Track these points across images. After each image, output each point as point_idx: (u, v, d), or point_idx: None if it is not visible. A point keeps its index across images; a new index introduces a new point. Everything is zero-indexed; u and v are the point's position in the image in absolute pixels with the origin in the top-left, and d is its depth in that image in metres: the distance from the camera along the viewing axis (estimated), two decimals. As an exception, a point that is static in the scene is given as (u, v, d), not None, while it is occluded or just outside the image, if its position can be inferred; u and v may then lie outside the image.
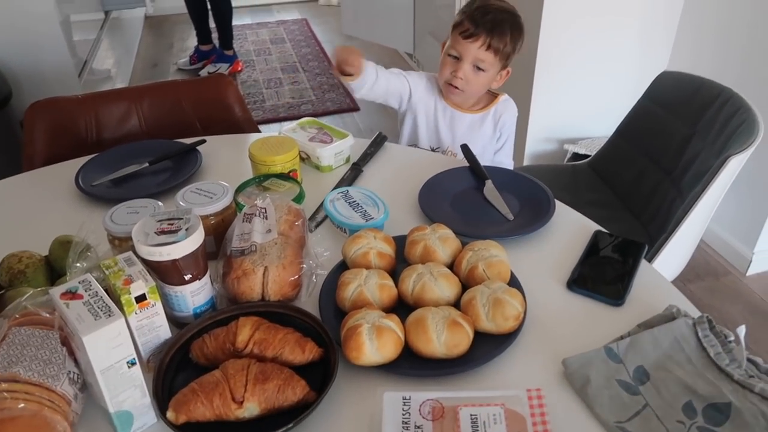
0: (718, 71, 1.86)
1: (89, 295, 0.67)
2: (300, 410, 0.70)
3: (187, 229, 0.80)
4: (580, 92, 2.33)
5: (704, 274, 2.15)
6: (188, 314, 0.84)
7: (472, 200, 1.12)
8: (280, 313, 0.83)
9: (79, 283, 0.69)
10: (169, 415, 0.68)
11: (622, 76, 2.32)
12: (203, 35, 3.92)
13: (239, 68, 4.00)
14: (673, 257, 1.34)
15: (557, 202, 1.10)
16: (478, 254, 0.89)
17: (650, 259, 1.29)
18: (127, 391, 0.68)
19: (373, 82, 1.38)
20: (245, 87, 3.79)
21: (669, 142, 1.47)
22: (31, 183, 1.24)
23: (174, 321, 0.84)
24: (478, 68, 1.36)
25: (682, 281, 2.11)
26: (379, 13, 3.73)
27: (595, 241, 1.00)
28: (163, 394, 0.73)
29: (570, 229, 1.05)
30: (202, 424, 0.69)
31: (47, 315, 0.73)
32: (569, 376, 0.76)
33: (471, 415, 0.68)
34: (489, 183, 1.14)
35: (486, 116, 1.47)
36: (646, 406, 0.72)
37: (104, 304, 0.66)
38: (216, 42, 3.96)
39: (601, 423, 0.71)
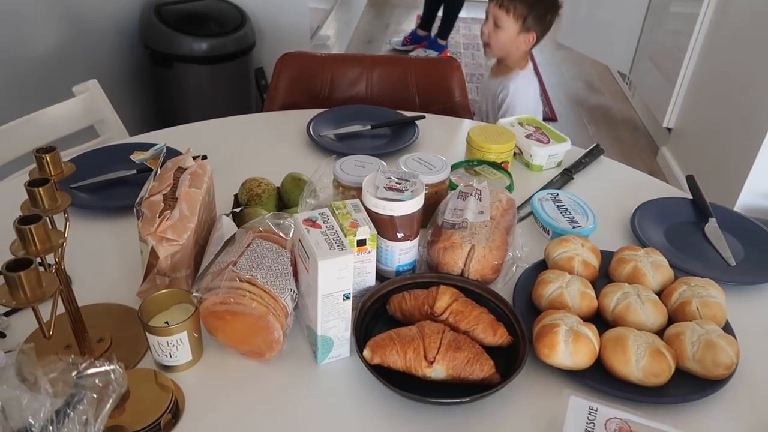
0: None
1: (327, 227, 0.75)
2: (482, 388, 0.72)
3: (412, 191, 0.84)
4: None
5: None
6: (391, 269, 0.89)
7: (691, 235, 1.04)
8: (475, 293, 0.85)
9: (319, 215, 0.77)
10: (366, 353, 0.74)
11: None
12: (427, 21, 4.07)
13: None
14: None
15: (790, 261, 0.99)
16: (693, 290, 0.84)
17: None
18: (335, 320, 0.75)
19: None
20: (448, 77, 3.87)
21: None
22: (271, 122, 1.40)
23: (377, 273, 0.90)
24: (497, 25, 1.67)
25: None
26: (602, 28, 3.58)
27: (833, 313, 0.89)
28: (359, 333, 0.79)
29: (800, 294, 0.94)
30: (389, 371, 0.74)
31: (283, 236, 0.82)
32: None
33: (661, 448, 0.65)
34: (712, 221, 1.06)
35: (499, 83, 1.75)
36: None
37: (338, 238, 0.73)
38: (434, 30, 4.09)
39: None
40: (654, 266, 0.88)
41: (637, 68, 3.40)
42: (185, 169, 0.91)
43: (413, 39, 4.14)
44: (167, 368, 0.76)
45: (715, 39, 2.57)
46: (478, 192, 0.94)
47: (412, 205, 0.84)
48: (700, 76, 2.68)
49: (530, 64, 1.78)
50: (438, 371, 0.73)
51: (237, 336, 0.76)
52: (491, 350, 0.77)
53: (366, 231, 0.79)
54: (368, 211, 0.85)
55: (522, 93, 1.71)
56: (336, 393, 0.76)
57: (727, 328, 0.82)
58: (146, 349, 0.78)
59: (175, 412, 0.70)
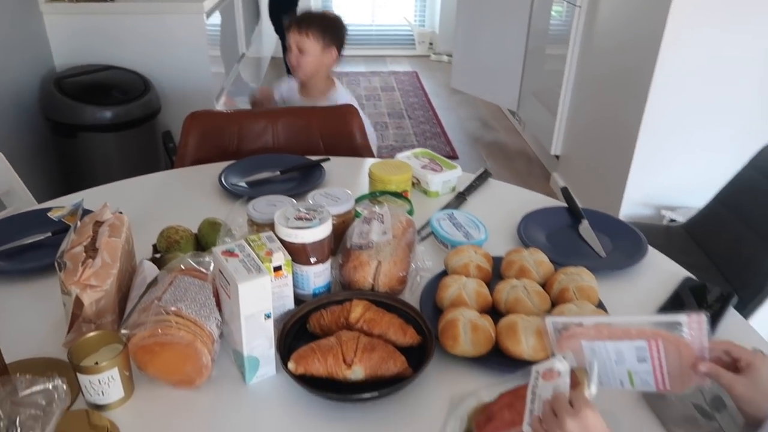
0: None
1: (244, 255, 0.82)
2: (398, 381, 0.80)
3: (320, 219, 0.94)
4: (686, 160, 2.34)
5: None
6: (308, 293, 0.97)
7: (568, 236, 1.20)
8: (386, 303, 0.94)
9: (236, 246, 0.85)
10: (290, 365, 0.81)
11: (731, 148, 2.31)
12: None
13: None
14: (766, 321, 1.34)
15: (650, 248, 1.16)
16: (570, 277, 0.98)
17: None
18: (259, 339, 0.82)
19: None
20: (353, 127, 4.05)
21: (771, 211, 1.48)
22: (183, 177, 1.46)
23: (295, 297, 0.97)
24: (301, 51, 1.85)
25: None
26: (488, 72, 3.91)
27: (684, 286, 1.05)
28: (283, 351, 0.86)
29: (660, 274, 1.10)
30: (313, 381, 0.81)
31: (204, 271, 0.89)
32: (646, 393, 0.82)
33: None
34: (585, 222, 1.22)
35: (324, 102, 1.91)
36: (720, 429, 0.76)
37: (255, 264, 0.81)
38: None
39: (674, 439, 0.76)
40: (537, 263, 1.02)
41: (524, 105, 3.73)
42: (103, 222, 0.96)
43: None
44: (100, 407, 0.79)
45: (584, 73, 2.89)
46: (381, 216, 1.05)
47: (321, 231, 0.94)
48: (576, 106, 2.99)
49: (338, 82, 1.99)
50: (357, 372, 0.81)
51: (167, 367, 0.81)
52: (404, 350, 0.86)
53: (280, 257, 0.88)
54: (282, 241, 0.93)
55: (345, 96, 1.94)
56: (267, 408, 0.82)
57: (600, 307, 0.96)
58: (77, 392, 0.81)
59: (112, 444, 0.74)
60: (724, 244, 1.62)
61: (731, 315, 0.99)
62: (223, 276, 0.82)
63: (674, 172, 2.37)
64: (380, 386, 0.80)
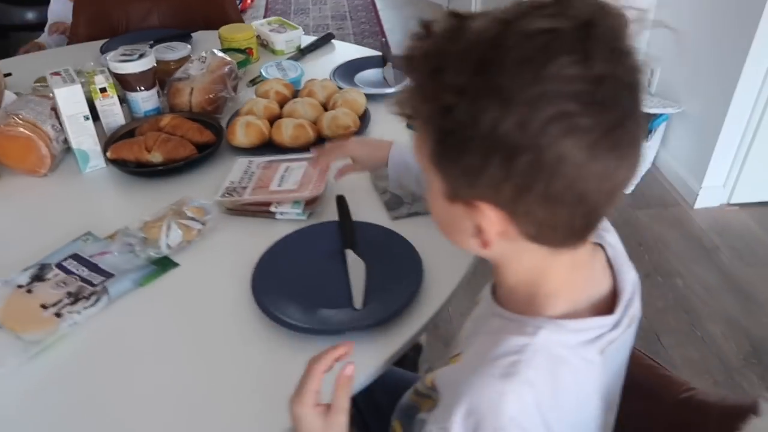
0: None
1: (66, 75, 1.10)
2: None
3: (141, 55, 1.21)
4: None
5: (654, 203, 2.36)
6: (141, 115, 1.26)
7: (373, 75, 1.47)
8: (201, 120, 1.23)
9: (62, 70, 1.12)
10: (108, 153, 1.11)
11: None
12: None
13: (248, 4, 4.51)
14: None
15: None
16: (343, 95, 1.26)
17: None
18: (84, 136, 1.11)
19: None
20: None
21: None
22: (72, 51, 1.72)
23: (133, 119, 1.26)
24: None
25: (631, 207, 2.33)
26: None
27: (446, 102, 1.33)
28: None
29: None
30: (130, 167, 1.12)
31: (48, 95, 1.17)
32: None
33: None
34: (389, 65, 1.49)
35: None
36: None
37: (72, 78, 1.09)
38: None
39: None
40: (323, 87, 1.30)
41: (455, 1, 3.89)
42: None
43: None
44: (-29, 187, 1.10)
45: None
46: (204, 58, 1.32)
47: (143, 64, 1.21)
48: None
49: None
50: (156, 156, 1.11)
51: (16, 157, 1.11)
52: (206, 148, 1.15)
53: (103, 80, 1.16)
54: (114, 74, 1.21)
55: None
56: (98, 189, 1.13)
57: (365, 115, 1.24)
58: (-44, 180, 1.11)
59: (-25, 205, 1.05)
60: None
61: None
62: (51, 91, 1.10)
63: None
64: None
